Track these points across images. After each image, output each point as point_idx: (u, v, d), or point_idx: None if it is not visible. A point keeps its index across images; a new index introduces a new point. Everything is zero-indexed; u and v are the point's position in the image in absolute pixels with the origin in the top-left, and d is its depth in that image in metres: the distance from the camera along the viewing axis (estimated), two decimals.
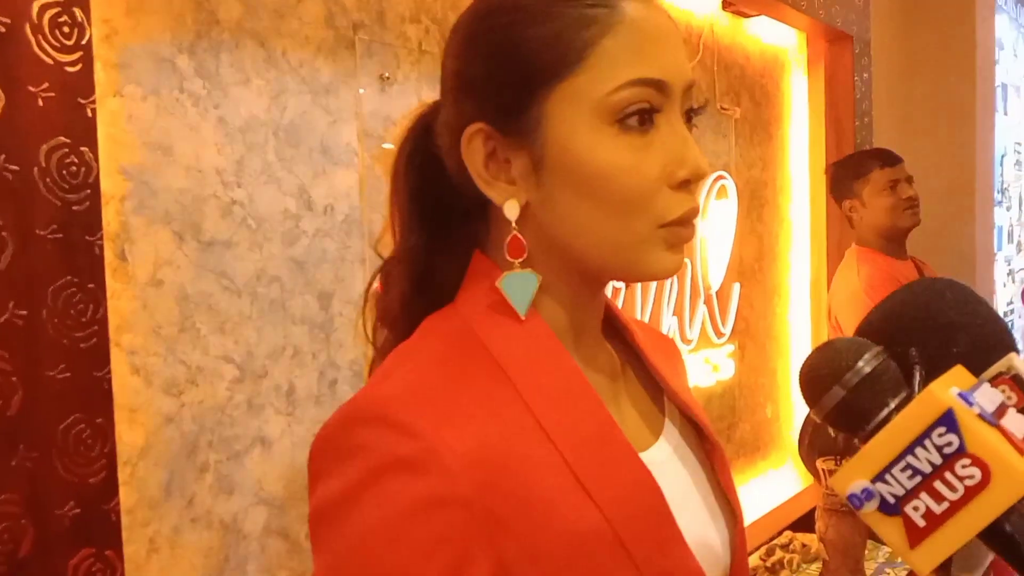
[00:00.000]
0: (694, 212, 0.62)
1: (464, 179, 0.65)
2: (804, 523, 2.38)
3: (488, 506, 0.55)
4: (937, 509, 0.54)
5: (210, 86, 1.23)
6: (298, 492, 1.39)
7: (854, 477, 0.57)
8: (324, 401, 1.43)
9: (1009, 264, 4.72)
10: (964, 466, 0.53)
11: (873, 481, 0.56)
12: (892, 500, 0.56)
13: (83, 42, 0.96)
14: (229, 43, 1.26)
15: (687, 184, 0.61)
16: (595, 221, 0.61)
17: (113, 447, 1.03)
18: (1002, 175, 4.45)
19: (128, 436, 1.16)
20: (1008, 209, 4.76)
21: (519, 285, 0.63)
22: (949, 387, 0.55)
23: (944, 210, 2.39)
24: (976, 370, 0.60)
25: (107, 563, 1.02)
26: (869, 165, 2.38)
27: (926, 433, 0.54)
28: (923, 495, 0.55)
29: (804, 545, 2.21)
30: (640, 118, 0.60)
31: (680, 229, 0.62)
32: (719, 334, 2.46)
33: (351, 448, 0.57)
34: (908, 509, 0.55)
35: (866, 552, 1.84)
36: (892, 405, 0.58)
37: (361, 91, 1.44)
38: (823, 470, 1.85)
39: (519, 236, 0.63)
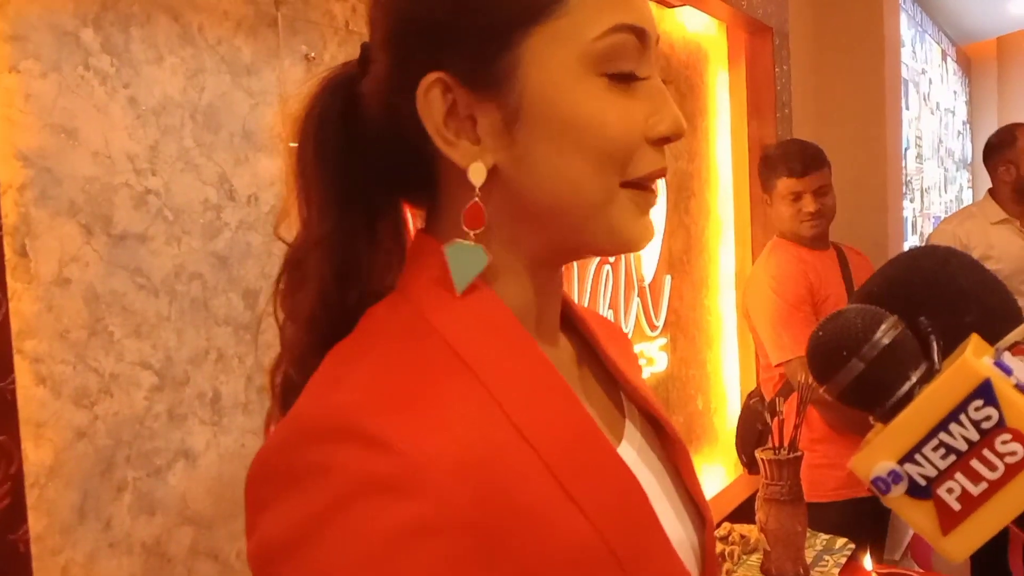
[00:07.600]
0: (661, 172, 0.58)
1: (404, 145, 0.57)
2: (741, 513, 2.38)
3: (483, 526, 0.47)
4: (974, 490, 0.50)
5: (119, 63, 1.12)
6: (227, 509, 1.29)
7: (879, 459, 0.52)
8: (253, 409, 1.32)
9: None
10: (1004, 442, 0.49)
11: (901, 462, 0.51)
12: (923, 482, 0.51)
13: None
14: (139, 16, 1.14)
15: (664, 141, 0.57)
16: (579, 177, 0.55)
17: (20, 468, 0.91)
18: (905, 168, 4.61)
19: (34, 455, 1.04)
20: (912, 201, 4.95)
21: (466, 258, 0.55)
22: (980, 357, 0.51)
23: (857, 201, 2.43)
24: (989, 340, 0.56)
25: None
26: (778, 171, 2.25)
27: (961, 407, 0.50)
28: (958, 475, 0.50)
29: (743, 536, 2.19)
30: (629, 71, 0.55)
31: (645, 192, 0.58)
32: (653, 327, 2.44)
33: (306, 469, 0.46)
34: (941, 492, 0.51)
35: (806, 541, 1.83)
36: (914, 379, 0.54)
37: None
38: (762, 460, 1.83)
39: (479, 203, 0.55)
